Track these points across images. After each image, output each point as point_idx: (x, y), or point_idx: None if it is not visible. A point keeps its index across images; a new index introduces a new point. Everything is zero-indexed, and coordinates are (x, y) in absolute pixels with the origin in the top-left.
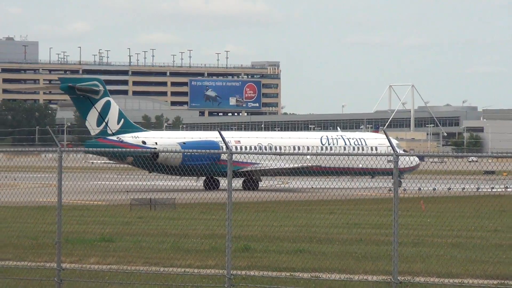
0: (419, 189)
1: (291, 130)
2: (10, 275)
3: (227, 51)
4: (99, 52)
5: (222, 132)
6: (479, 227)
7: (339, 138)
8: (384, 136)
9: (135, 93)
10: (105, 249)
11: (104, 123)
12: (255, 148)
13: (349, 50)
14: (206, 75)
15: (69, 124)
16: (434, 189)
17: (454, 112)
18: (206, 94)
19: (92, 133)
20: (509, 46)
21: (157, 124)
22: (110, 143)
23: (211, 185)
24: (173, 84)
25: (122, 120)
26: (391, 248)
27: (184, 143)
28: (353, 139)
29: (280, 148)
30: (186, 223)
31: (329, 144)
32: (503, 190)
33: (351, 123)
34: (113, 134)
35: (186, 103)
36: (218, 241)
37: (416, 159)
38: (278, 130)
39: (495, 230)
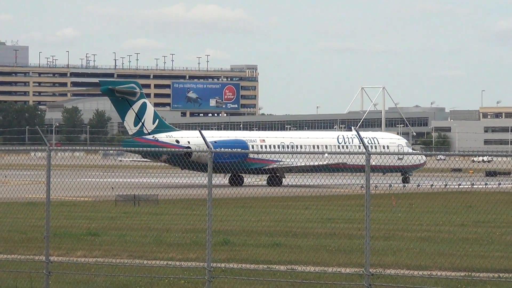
0: (390, 185)
1: (268, 130)
2: (0, 268)
3: (207, 55)
4: (86, 56)
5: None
6: (446, 221)
7: (354, 137)
8: (393, 135)
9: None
10: (91, 243)
11: (140, 123)
12: (279, 146)
13: (323, 55)
14: (187, 78)
15: (57, 124)
16: (404, 186)
17: (422, 112)
18: (188, 96)
19: (130, 133)
20: (473, 51)
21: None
22: (146, 142)
23: (236, 181)
24: (156, 86)
25: (157, 120)
26: (363, 241)
27: (215, 142)
28: (366, 138)
29: (301, 146)
30: (168, 218)
31: (345, 143)
32: (470, 187)
33: (325, 123)
34: (149, 134)
35: (168, 104)
36: (199, 235)
37: (423, 157)
38: (256, 130)
39: (462, 225)
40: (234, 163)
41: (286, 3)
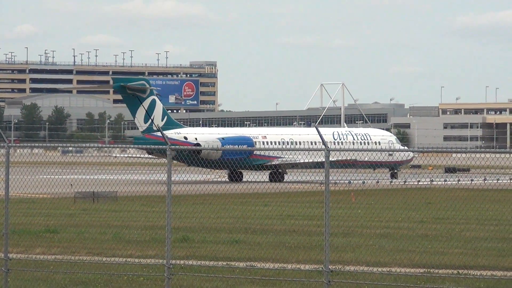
0: (349, 182)
1: (228, 127)
2: None
3: (166, 52)
4: (45, 53)
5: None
6: (406, 218)
7: (348, 133)
8: (384, 132)
9: (79, 91)
10: (50, 240)
11: (150, 120)
12: (279, 142)
13: (282, 51)
14: (146, 74)
15: (16, 121)
16: (364, 182)
17: (382, 109)
18: None
19: (140, 129)
20: (433, 47)
21: (100, 121)
22: (156, 139)
23: (235, 177)
24: None
25: (166, 117)
26: (322, 238)
27: (223, 138)
28: (359, 134)
29: (300, 143)
30: (127, 215)
31: (340, 139)
32: (429, 183)
33: (284, 120)
34: (158, 130)
35: None
36: (158, 232)
37: (411, 153)
38: (216, 127)
39: (421, 221)
40: (240, 159)
41: None
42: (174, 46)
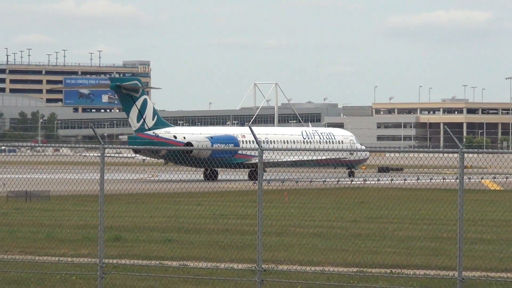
0: (283, 181)
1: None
2: None
3: (99, 51)
4: None
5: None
6: (339, 217)
7: (315, 133)
8: (346, 132)
9: (12, 90)
10: None
11: (142, 120)
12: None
13: (216, 50)
14: (80, 73)
15: None
16: (297, 182)
17: (315, 109)
18: (80, 92)
19: (133, 129)
20: (366, 47)
21: (33, 120)
22: (148, 137)
23: (211, 176)
24: (48, 82)
25: (156, 116)
26: (255, 237)
27: (211, 137)
28: (324, 133)
29: (274, 142)
30: (60, 214)
31: (308, 138)
32: (362, 182)
33: (217, 119)
34: (149, 129)
35: (60, 100)
36: (91, 231)
37: (367, 153)
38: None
39: (354, 221)
40: (226, 158)
41: None
42: (107, 46)
